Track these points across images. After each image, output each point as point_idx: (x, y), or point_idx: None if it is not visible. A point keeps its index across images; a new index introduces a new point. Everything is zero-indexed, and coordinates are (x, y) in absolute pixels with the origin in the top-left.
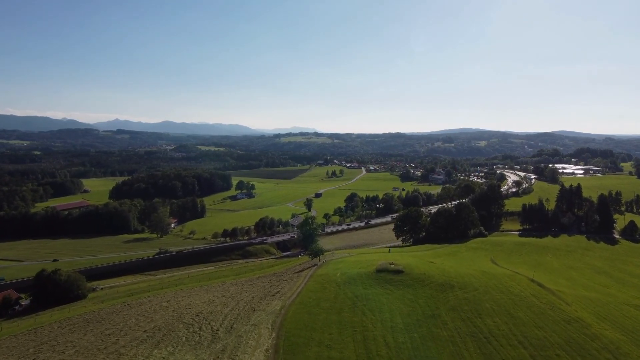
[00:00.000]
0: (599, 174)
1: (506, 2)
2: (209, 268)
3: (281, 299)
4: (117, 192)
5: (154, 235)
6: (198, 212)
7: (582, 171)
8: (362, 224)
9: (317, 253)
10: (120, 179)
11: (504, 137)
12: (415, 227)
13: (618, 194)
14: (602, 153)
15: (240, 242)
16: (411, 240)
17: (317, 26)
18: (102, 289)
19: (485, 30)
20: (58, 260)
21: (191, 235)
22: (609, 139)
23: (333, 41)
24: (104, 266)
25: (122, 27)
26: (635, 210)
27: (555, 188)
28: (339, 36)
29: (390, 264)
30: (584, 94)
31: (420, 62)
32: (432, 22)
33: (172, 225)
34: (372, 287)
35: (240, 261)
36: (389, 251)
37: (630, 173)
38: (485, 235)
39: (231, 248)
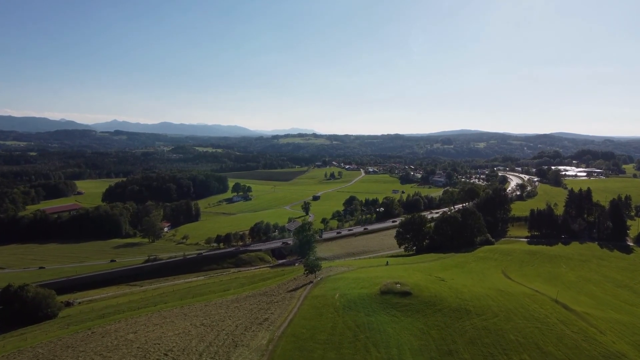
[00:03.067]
0: (603, 177)
1: (505, 3)
2: (198, 278)
3: (269, 328)
4: (110, 195)
5: (146, 240)
6: (192, 216)
7: (584, 173)
8: (362, 229)
9: (312, 268)
10: (115, 181)
11: (503, 138)
12: (418, 234)
13: (628, 198)
14: (603, 155)
15: (233, 249)
16: (414, 248)
17: (315, 27)
18: (79, 303)
19: (483, 31)
20: (44, 267)
21: (184, 241)
22: (608, 140)
23: (331, 42)
24: (87, 276)
25: (122, 27)
26: None
27: (560, 191)
28: (337, 37)
29: (396, 283)
30: (582, 96)
31: (419, 63)
32: (431, 23)
33: (165, 229)
34: (376, 314)
35: (232, 270)
36: (387, 264)
37: (635, 176)
38: (492, 243)
39: (223, 256)
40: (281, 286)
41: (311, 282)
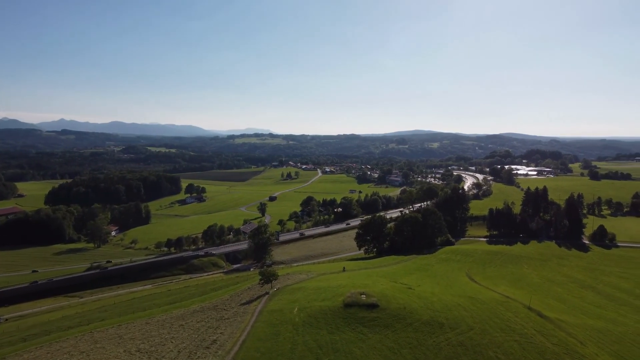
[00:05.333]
0: (552, 175)
1: (462, 9)
2: (145, 287)
3: (218, 353)
4: (53, 197)
5: (91, 245)
6: (142, 219)
7: (535, 172)
8: (320, 230)
9: (268, 278)
10: (61, 182)
11: (456, 138)
12: (379, 236)
13: (580, 196)
14: (551, 155)
15: (185, 254)
16: (375, 250)
17: (272, 26)
18: (6, 320)
19: (436, 36)
20: None
21: (132, 245)
22: (554, 140)
23: (288, 42)
24: (17, 288)
25: (69, 23)
26: (597, 213)
27: (513, 189)
28: (294, 37)
29: (361, 294)
30: (529, 98)
31: (374, 65)
32: (386, 26)
33: (113, 233)
34: (340, 331)
35: (182, 277)
36: (344, 269)
37: (582, 174)
38: (453, 243)
39: (173, 262)
40: (234, 298)
41: (267, 293)
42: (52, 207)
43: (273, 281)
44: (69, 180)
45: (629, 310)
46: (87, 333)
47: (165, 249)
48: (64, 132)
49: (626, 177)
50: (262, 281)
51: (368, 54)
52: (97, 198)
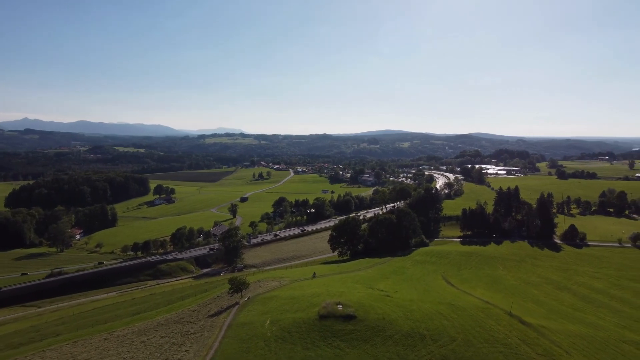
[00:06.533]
0: (521, 174)
1: (432, 10)
2: (109, 295)
3: None
4: (14, 199)
5: (54, 250)
6: (108, 221)
7: (504, 172)
8: (292, 232)
9: (238, 287)
10: (22, 184)
11: (426, 138)
12: (353, 238)
13: (550, 195)
14: (519, 154)
15: (152, 258)
16: (349, 252)
17: (243, 25)
18: None
19: (407, 37)
20: None
21: (97, 249)
22: (521, 140)
23: (259, 41)
24: None
25: (31, 17)
26: (566, 212)
27: (484, 189)
28: (264, 36)
29: (337, 304)
30: (496, 99)
31: (344, 65)
32: (355, 25)
33: (77, 237)
34: (316, 346)
35: (149, 283)
36: (314, 275)
37: (550, 173)
38: (427, 244)
39: (140, 267)
40: (201, 308)
41: (237, 303)
42: (11, 210)
43: (243, 290)
44: (31, 182)
45: (607, 313)
46: (38, 352)
47: (132, 253)
48: (27, 131)
49: (592, 176)
50: (232, 290)
51: (339, 54)
52: (61, 200)
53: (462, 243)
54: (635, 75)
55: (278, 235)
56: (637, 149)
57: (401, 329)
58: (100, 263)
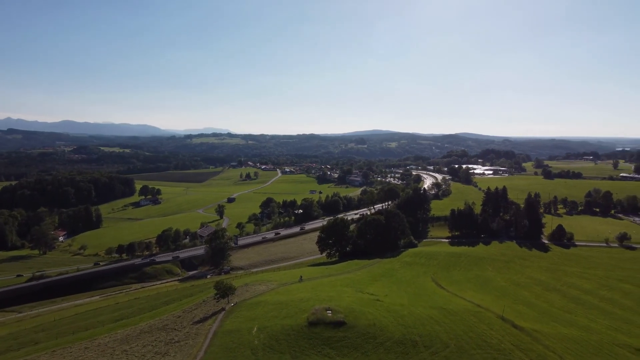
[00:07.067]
0: (507, 174)
1: (419, 12)
2: (92, 299)
3: None
4: None
5: (36, 252)
6: (93, 223)
7: (491, 172)
8: (280, 233)
9: (224, 292)
10: (4, 185)
11: (413, 138)
12: (341, 239)
13: (537, 195)
14: (505, 154)
15: (137, 261)
16: (337, 254)
17: (230, 25)
18: None
19: (395, 38)
20: None
21: (81, 251)
22: (506, 140)
23: (246, 41)
24: None
25: (14, 19)
26: (553, 212)
27: (471, 189)
28: (252, 36)
29: (327, 310)
30: (483, 99)
31: (333, 65)
32: (343, 25)
33: (60, 239)
34: (305, 355)
35: (134, 287)
36: (300, 279)
37: (536, 173)
38: (415, 245)
39: (124, 270)
40: (186, 314)
41: (223, 309)
42: None
43: (230, 295)
44: (14, 183)
45: (598, 315)
46: None
47: (117, 255)
48: (10, 131)
49: (577, 175)
50: (218, 295)
51: (328, 54)
52: (44, 201)
53: (451, 244)
54: (617, 77)
55: (266, 236)
56: (620, 149)
57: (392, 335)
58: (96, 264)
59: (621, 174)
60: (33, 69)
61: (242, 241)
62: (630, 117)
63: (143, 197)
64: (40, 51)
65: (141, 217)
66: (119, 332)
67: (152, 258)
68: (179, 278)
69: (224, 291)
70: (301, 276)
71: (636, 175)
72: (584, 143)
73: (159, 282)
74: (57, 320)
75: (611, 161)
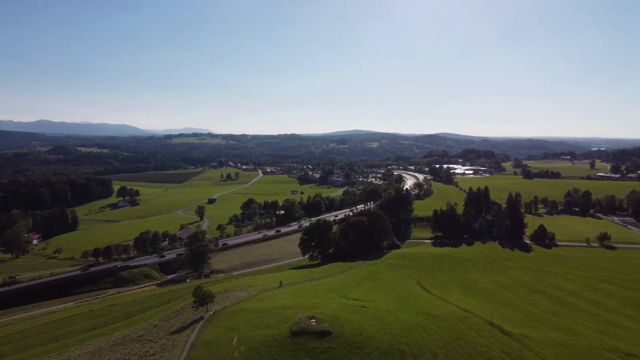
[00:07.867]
0: (487, 174)
1: (400, 12)
2: (66, 305)
3: None
4: None
5: (9, 256)
6: (69, 225)
7: (471, 172)
8: (261, 235)
9: (203, 300)
10: None
11: (394, 138)
12: (324, 241)
13: (518, 195)
14: (485, 154)
15: (114, 265)
16: (320, 256)
17: (211, 24)
18: None
19: (376, 39)
20: None
21: (56, 255)
22: (486, 140)
23: (227, 41)
24: None
25: None
26: (534, 211)
27: (452, 189)
28: (233, 36)
29: (311, 318)
30: (462, 100)
31: (313, 65)
32: (325, 25)
33: (34, 242)
34: None
35: (110, 292)
36: (280, 284)
37: (515, 173)
38: (398, 247)
39: (101, 274)
40: (163, 323)
41: (202, 318)
42: None
43: (209, 303)
44: None
45: (584, 317)
46: None
47: (93, 258)
48: None
49: (556, 175)
50: (196, 303)
51: (309, 56)
52: (18, 203)
53: (434, 244)
54: (591, 79)
55: (247, 238)
56: (595, 149)
57: (379, 345)
58: (86, 267)
59: (598, 174)
60: (7, 67)
61: (222, 243)
62: (605, 118)
63: (121, 198)
64: (16, 49)
65: (119, 219)
66: (90, 344)
67: (129, 262)
68: (158, 282)
69: (202, 299)
70: (281, 281)
71: (613, 175)
72: (560, 143)
73: (137, 286)
74: (26, 330)
75: (588, 161)
